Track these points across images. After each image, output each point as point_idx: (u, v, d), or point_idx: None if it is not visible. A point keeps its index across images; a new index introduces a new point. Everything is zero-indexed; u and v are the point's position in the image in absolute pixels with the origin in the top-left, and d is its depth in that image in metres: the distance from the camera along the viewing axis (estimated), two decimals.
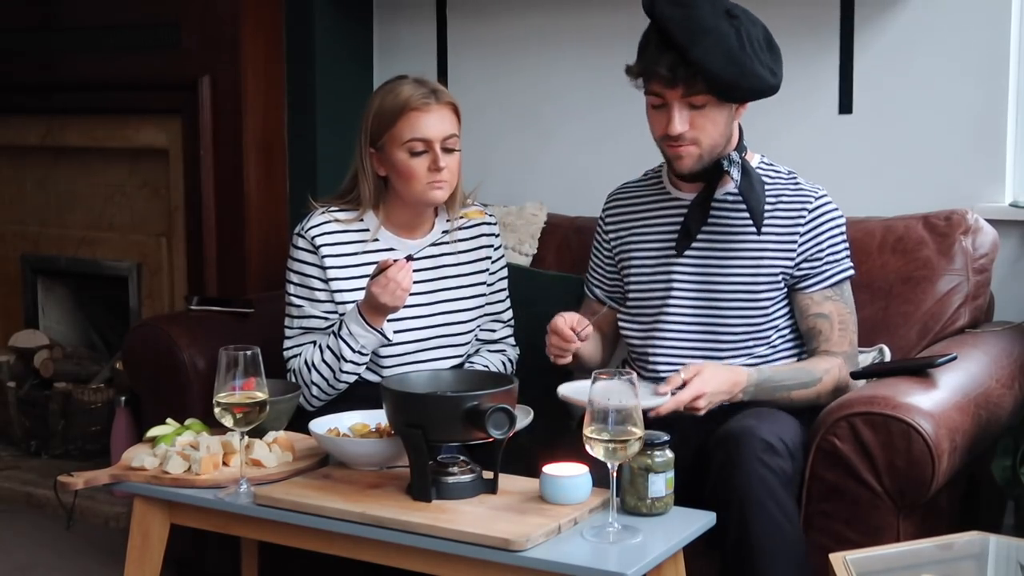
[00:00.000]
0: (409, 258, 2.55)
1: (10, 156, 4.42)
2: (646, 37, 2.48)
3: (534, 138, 3.61)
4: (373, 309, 2.58)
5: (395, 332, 2.66)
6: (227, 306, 3.21)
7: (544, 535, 2.02)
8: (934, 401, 2.33)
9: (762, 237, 2.52)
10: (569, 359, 2.51)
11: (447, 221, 2.80)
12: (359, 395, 2.64)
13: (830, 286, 2.55)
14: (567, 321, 2.48)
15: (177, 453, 2.36)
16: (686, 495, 2.26)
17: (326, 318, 2.70)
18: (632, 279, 2.67)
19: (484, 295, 2.83)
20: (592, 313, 2.78)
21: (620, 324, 2.69)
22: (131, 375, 3.20)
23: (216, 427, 2.40)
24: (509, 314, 2.91)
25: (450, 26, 3.71)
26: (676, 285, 2.59)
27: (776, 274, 2.54)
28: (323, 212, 2.73)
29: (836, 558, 2.01)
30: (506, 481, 2.23)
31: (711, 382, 2.37)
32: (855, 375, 2.54)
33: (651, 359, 2.60)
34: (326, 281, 2.70)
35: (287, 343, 2.73)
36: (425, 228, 2.78)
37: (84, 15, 4.00)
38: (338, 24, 3.73)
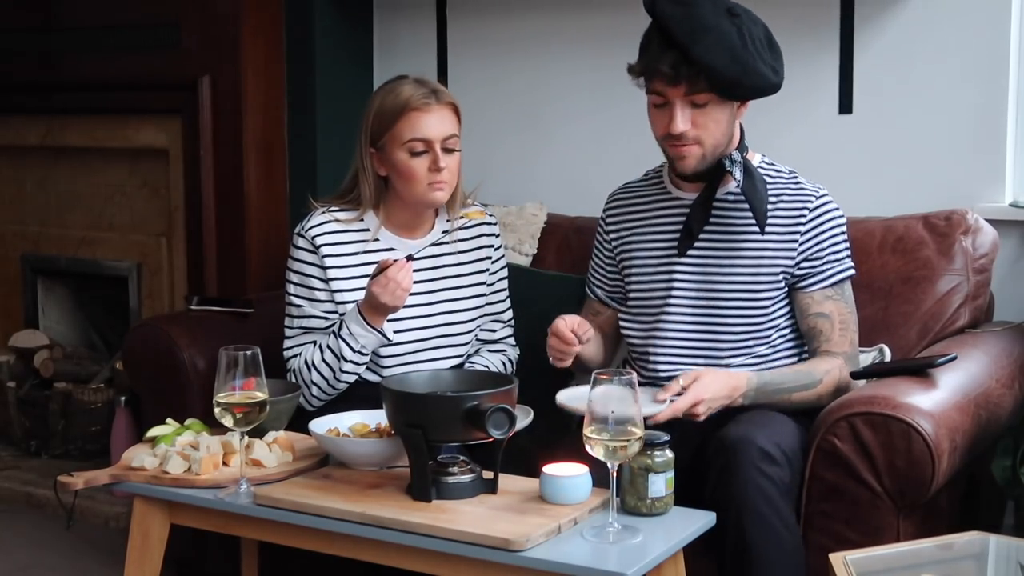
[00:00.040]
0: (409, 258, 2.56)
1: (10, 156, 4.42)
2: (647, 36, 2.48)
3: (534, 138, 3.61)
4: (373, 309, 2.58)
5: (395, 332, 2.66)
6: (227, 306, 3.21)
7: (544, 535, 2.02)
8: (934, 401, 2.33)
9: (763, 237, 2.52)
10: (569, 362, 2.51)
11: (447, 221, 2.80)
12: (359, 395, 2.64)
13: (830, 285, 2.55)
14: (568, 324, 2.47)
15: (177, 453, 2.36)
16: (686, 495, 2.26)
17: (326, 318, 2.70)
18: (633, 279, 2.67)
19: (484, 295, 2.83)
20: (594, 314, 2.78)
21: (621, 324, 2.69)
22: (131, 375, 3.20)
23: (216, 427, 2.40)
24: (509, 314, 2.91)
25: (450, 26, 3.71)
26: (677, 285, 2.59)
27: (777, 274, 2.54)
28: (323, 212, 2.74)
29: (836, 558, 2.01)
30: (506, 481, 2.23)
31: (710, 388, 2.37)
32: (855, 375, 2.54)
33: (652, 359, 2.60)
34: (326, 281, 2.70)
35: (287, 343, 2.73)
36: (425, 228, 2.78)
37: (84, 15, 4.00)
38: (338, 24, 3.73)
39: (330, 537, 2.17)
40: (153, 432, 2.50)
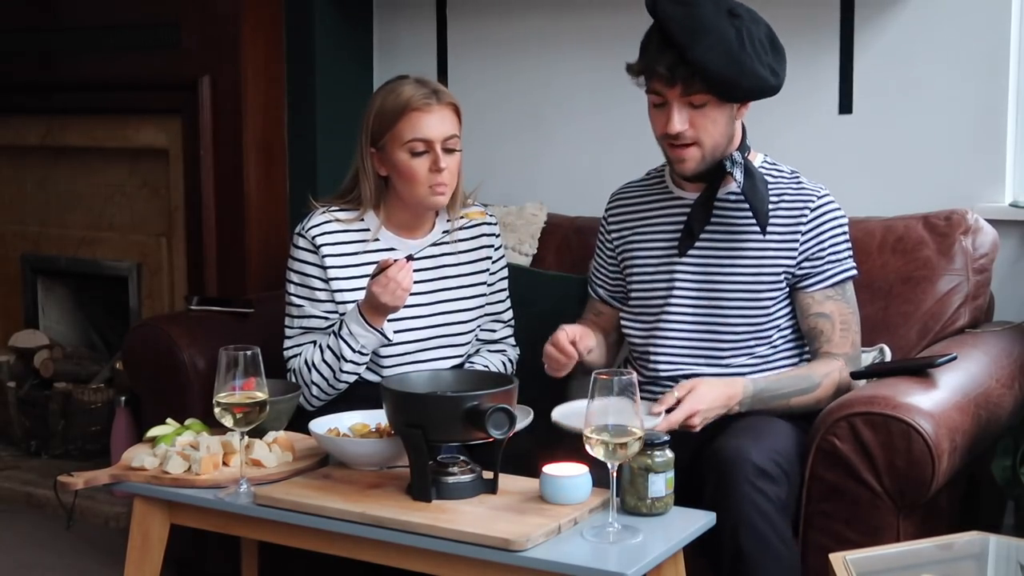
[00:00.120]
0: (409, 258, 2.55)
1: (10, 156, 4.42)
2: (648, 36, 2.48)
3: (534, 138, 3.61)
4: (373, 309, 2.58)
5: (395, 332, 2.66)
6: (227, 306, 3.21)
7: (544, 535, 2.02)
8: (934, 401, 2.33)
9: (764, 237, 2.52)
10: (564, 374, 2.51)
11: (448, 221, 2.80)
12: (359, 395, 2.63)
13: (831, 286, 2.54)
14: (569, 335, 2.47)
15: (177, 453, 2.36)
16: (685, 495, 2.26)
17: (326, 318, 2.70)
18: (634, 278, 2.67)
19: (484, 295, 2.83)
20: (595, 314, 2.78)
21: (622, 323, 2.69)
22: (131, 375, 3.20)
23: (216, 427, 2.40)
24: (509, 314, 2.91)
25: (450, 26, 3.71)
26: (678, 285, 2.58)
27: (778, 274, 2.54)
28: (324, 212, 2.74)
29: (836, 558, 2.01)
30: (506, 481, 2.23)
31: (705, 399, 2.36)
32: (855, 375, 2.54)
33: (652, 358, 2.60)
34: (326, 281, 2.70)
35: (287, 343, 2.73)
36: (426, 228, 2.78)
37: (84, 15, 4.00)
38: (338, 24, 3.73)
39: (330, 537, 2.17)
40: (153, 432, 2.50)
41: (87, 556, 3.46)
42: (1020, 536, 2.38)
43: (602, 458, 2.02)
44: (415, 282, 2.60)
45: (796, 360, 2.60)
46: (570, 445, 2.23)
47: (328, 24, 3.70)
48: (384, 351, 2.69)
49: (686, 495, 2.26)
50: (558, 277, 3.12)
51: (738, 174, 2.49)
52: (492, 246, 2.85)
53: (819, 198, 2.55)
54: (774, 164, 2.62)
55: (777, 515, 2.24)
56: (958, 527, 2.37)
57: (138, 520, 2.39)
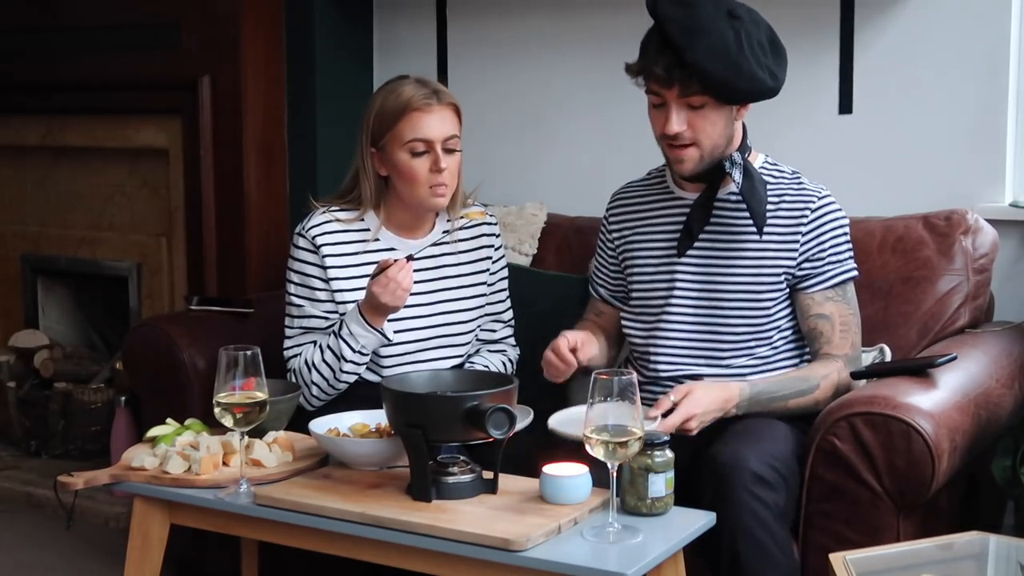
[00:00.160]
0: (410, 258, 2.56)
1: (10, 156, 4.42)
2: (648, 36, 2.48)
3: (534, 138, 3.61)
4: (373, 309, 2.58)
5: (395, 332, 2.66)
6: (227, 306, 3.21)
7: (544, 535, 2.02)
8: (934, 401, 2.33)
9: (764, 237, 2.52)
10: (562, 380, 2.51)
11: (448, 221, 2.80)
12: (359, 395, 2.64)
13: (832, 287, 2.54)
14: (570, 342, 2.47)
15: (177, 453, 2.36)
16: (685, 495, 2.26)
17: (326, 318, 2.70)
18: (635, 278, 2.67)
19: (484, 295, 2.83)
20: (597, 313, 2.78)
21: (623, 323, 2.69)
22: (131, 375, 3.20)
23: (216, 427, 2.40)
24: (509, 314, 2.91)
25: (450, 26, 3.70)
26: (678, 285, 2.58)
27: (779, 274, 2.54)
28: (324, 212, 2.74)
29: (836, 558, 2.01)
30: (506, 481, 2.23)
31: (701, 403, 2.36)
32: (855, 375, 2.54)
33: (653, 359, 2.60)
34: (327, 281, 2.70)
35: (287, 343, 2.73)
36: (426, 228, 2.78)
37: (84, 15, 4.00)
38: (338, 24, 3.73)
39: (330, 537, 2.17)
40: (153, 432, 2.50)
41: (87, 556, 3.46)
42: (1020, 536, 2.38)
43: (602, 458, 2.02)
44: (415, 282, 2.60)
45: (797, 361, 2.60)
46: (570, 445, 2.23)
47: (328, 24, 3.70)
48: (384, 351, 2.69)
49: (685, 496, 2.26)
50: (558, 277, 3.12)
51: (737, 175, 2.49)
52: (492, 246, 2.85)
53: (820, 199, 2.55)
54: (775, 165, 2.62)
55: (775, 522, 2.24)
56: (958, 527, 2.37)
57: (138, 520, 2.39)
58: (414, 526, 2.07)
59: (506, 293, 2.90)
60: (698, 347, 2.57)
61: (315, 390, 2.66)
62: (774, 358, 2.57)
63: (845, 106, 3.16)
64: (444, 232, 2.79)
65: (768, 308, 2.54)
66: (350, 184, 2.77)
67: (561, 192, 3.50)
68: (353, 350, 2.61)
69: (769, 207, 2.52)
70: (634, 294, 2.67)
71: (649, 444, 2.12)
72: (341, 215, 2.73)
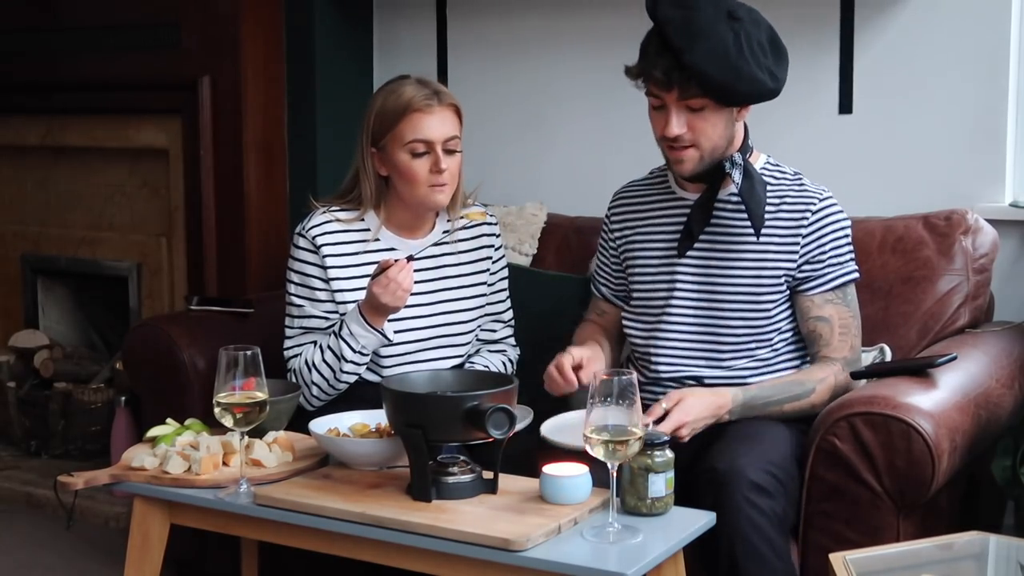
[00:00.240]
0: (410, 258, 2.55)
1: (10, 156, 4.42)
2: (648, 38, 2.47)
3: (534, 138, 3.61)
4: (374, 309, 2.58)
5: (395, 332, 2.66)
6: (227, 306, 3.21)
7: (544, 535, 2.02)
8: (934, 401, 2.33)
9: (765, 239, 2.51)
10: (563, 394, 2.50)
11: (448, 221, 2.80)
12: (359, 395, 2.64)
13: (832, 289, 2.54)
14: (576, 359, 2.46)
15: (177, 453, 2.36)
16: (685, 497, 2.26)
17: (327, 318, 2.70)
18: (636, 278, 2.67)
19: (485, 295, 2.83)
20: (599, 313, 2.77)
21: (624, 323, 2.69)
22: (131, 375, 3.20)
23: (216, 427, 2.40)
24: (509, 314, 2.91)
25: (450, 26, 3.70)
26: (679, 285, 2.58)
27: (779, 276, 2.53)
28: (324, 212, 2.74)
29: (836, 558, 2.01)
30: (506, 481, 2.23)
31: (692, 410, 2.36)
32: (855, 375, 2.54)
33: (653, 359, 2.60)
34: (327, 281, 2.70)
35: (287, 343, 2.73)
36: (426, 228, 2.78)
37: (84, 15, 4.00)
38: (338, 24, 3.73)
39: (330, 537, 2.17)
40: (153, 432, 2.50)
41: (87, 556, 3.46)
42: (1020, 536, 2.38)
43: (602, 458, 2.02)
44: (415, 282, 2.60)
45: (798, 363, 2.60)
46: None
47: (328, 24, 3.70)
48: (384, 351, 2.69)
49: (685, 496, 2.26)
50: (558, 277, 3.12)
51: (737, 175, 2.48)
52: (492, 246, 2.85)
53: (821, 201, 2.54)
54: (777, 166, 2.61)
55: (773, 529, 2.23)
56: (958, 527, 2.37)
57: (138, 520, 2.39)
58: (414, 526, 2.07)
59: (506, 293, 2.90)
60: (698, 348, 2.57)
61: (315, 390, 2.66)
62: (774, 360, 2.57)
63: (845, 106, 3.16)
64: (444, 232, 2.78)
65: (768, 310, 2.54)
66: (350, 184, 2.76)
67: (561, 192, 3.50)
68: (353, 350, 2.61)
69: (770, 208, 2.51)
70: (635, 294, 2.67)
71: (649, 444, 2.12)
72: (341, 215, 2.73)
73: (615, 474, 2.05)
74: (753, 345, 2.55)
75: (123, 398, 3.78)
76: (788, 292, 2.56)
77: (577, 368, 2.46)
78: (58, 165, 4.30)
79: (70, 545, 3.54)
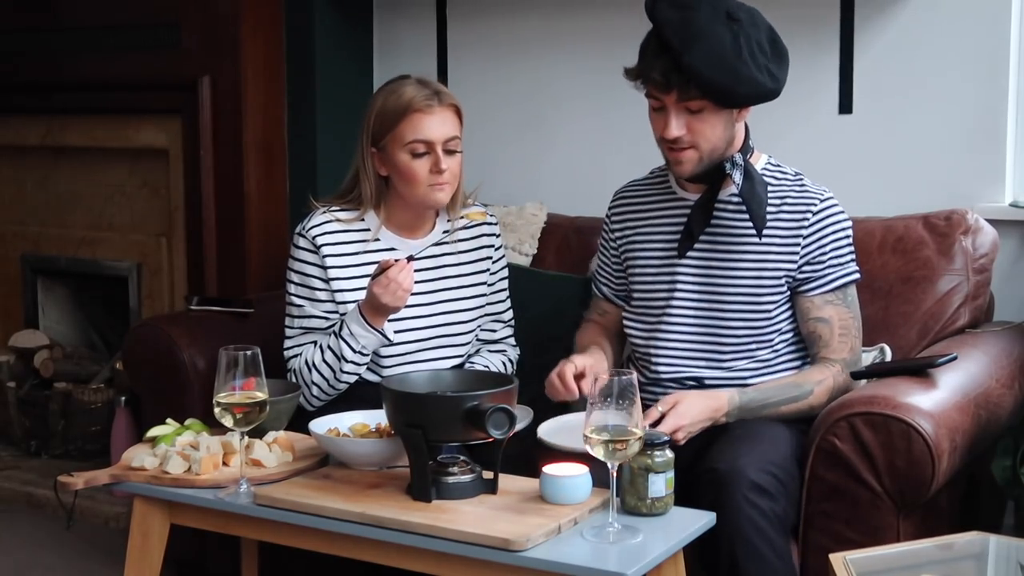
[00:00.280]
0: (410, 258, 2.55)
1: (10, 156, 4.42)
2: (647, 39, 2.47)
3: (534, 138, 3.61)
4: (374, 309, 2.58)
5: (396, 332, 2.66)
6: (227, 306, 3.21)
7: (544, 535, 2.02)
8: (934, 401, 2.33)
9: (766, 239, 2.51)
10: (563, 401, 2.50)
11: (448, 221, 2.80)
12: (359, 395, 2.64)
13: (832, 290, 2.53)
14: (578, 367, 2.45)
15: (177, 453, 2.36)
16: (685, 495, 2.26)
17: (327, 318, 2.70)
18: (636, 278, 2.66)
19: (485, 295, 2.83)
20: (600, 313, 2.77)
21: (624, 323, 2.69)
22: (131, 375, 3.20)
23: (216, 427, 2.40)
24: (510, 314, 2.91)
25: (450, 27, 3.70)
26: (679, 286, 2.58)
27: (779, 277, 2.53)
28: (324, 212, 2.74)
29: (836, 558, 2.01)
30: (506, 481, 2.23)
31: (688, 414, 2.36)
32: (855, 375, 2.54)
33: (654, 359, 2.60)
34: (327, 281, 2.70)
35: (287, 343, 2.73)
36: (426, 228, 2.78)
37: (84, 15, 4.00)
38: (338, 24, 3.73)
39: (330, 537, 2.17)
40: (153, 432, 2.50)
41: (87, 556, 3.46)
42: (1020, 536, 2.38)
43: (602, 458, 2.02)
44: (415, 282, 2.60)
45: (799, 363, 2.59)
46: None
47: (328, 24, 3.70)
48: (384, 351, 2.69)
49: (685, 496, 2.26)
50: (558, 277, 3.12)
51: (737, 176, 2.48)
52: (492, 246, 2.85)
53: (822, 201, 2.54)
54: (778, 166, 2.61)
55: (773, 530, 2.23)
56: (958, 527, 2.37)
57: (138, 520, 2.39)
58: (414, 526, 2.07)
59: (506, 293, 2.90)
60: (699, 348, 2.57)
61: (315, 390, 2.66)
62: (775, 361, 2.57)
63: (845, 106, 3.16)
64: (444, 232, 2.78)
65: (769, 311, 2.54)
66: (350, 184, 2.76)
67: (561, 192, 3.50)
68: (353, 350, 2.61)
69: (771, 209, 2.51)
70: (635, 294, 2.67)
71: (649, 444, 2.12)
72: (341, 215, 2.73)
73: (615, 474, 2.05)
74: (754, 346, 2.55)
75: (123, 398, 3.78)
76: (789, 293, 2.55)
77: (579, 377, 2.45)
78: (58, 165, 4.30)
79: (70, 545, 3.54)
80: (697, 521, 2.15)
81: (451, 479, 2.17)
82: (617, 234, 2.73)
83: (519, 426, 2.23)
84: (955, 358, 2.49)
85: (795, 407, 2.47)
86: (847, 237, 2.56)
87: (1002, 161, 3.02)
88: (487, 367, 2.80)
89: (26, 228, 4.41)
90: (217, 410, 2.23)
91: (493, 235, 2.86)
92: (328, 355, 2.63)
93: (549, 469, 2.16)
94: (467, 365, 2.80)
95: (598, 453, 2.01)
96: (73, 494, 2.57)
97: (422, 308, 2.73)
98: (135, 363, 3.12)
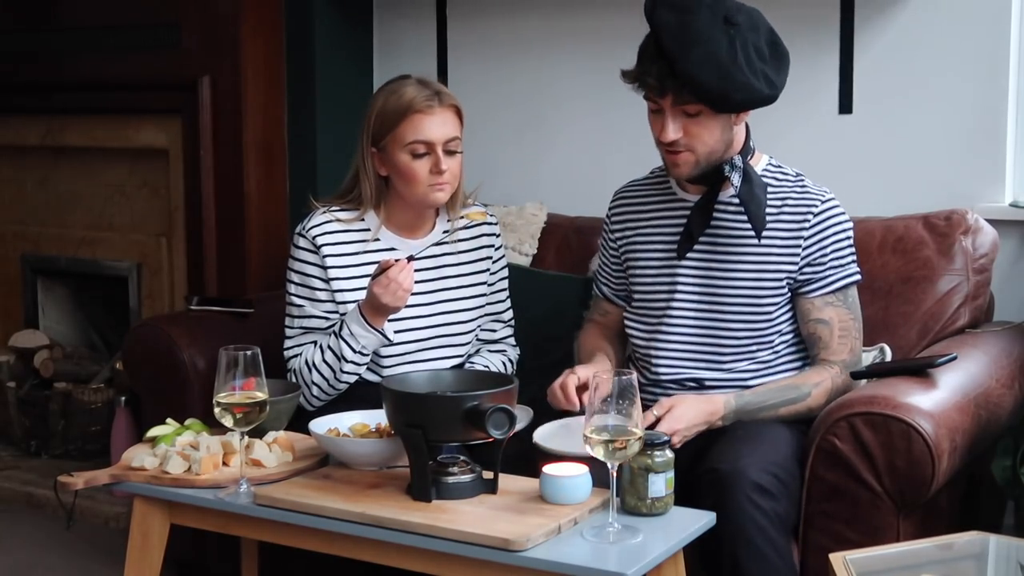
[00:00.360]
0: (410, 258, 2.55)
1: (10, 156, 4.42)
2: (645, 43, 2.46)
3: (534, 138, 3.61)
4: (374, 309, 2.58)
5: (396, 332, 2.66)
6: (227, 306, 3.21)
7: (544, 535, 2.02)
8: (934, 401, 2.33)
9: (766, 241, 2.51)
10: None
11: (448, 221, 2.80)
12: (359, 395, 2.64)
13: (832, 291, 2.53)
14: (581, 379, 2.44)
15: (177, 453, 2.36)
16: (686, 495, 2.26)
17: (327, 318, 2.70)
18: (637, 279, 2.66)
19: (485, 295, 2.83)
20: (601, 314, 2.77)
21: (625, 324, 2.68)
22: (131, 375, 3.20)
23: (216, 427, 2.40)
24: (509, 314, 2.91)
25: (450, 27, 3.70)
26: (680, 287, 2.58)
27: (780, 278, 2.53)
28: (324, 212, 2.74)
29: (836, 558, 2.01)
30: (506, 481, 2.23)
31: (683, 418, 2.36)
32: (855, 375, 2.54)
33: (654, 360, 2.60)
34: (327, 281, 2.70)
35: (288, 343, 2.73)
36: (426, 228, 2.78)
37: (84, 15, 4.00)
38: (338, 24, 3.73)
39: (330, 537, 2.17)
40: (153, 432, 2.50)
41: (87, 556, 3.46)
42: (1020, 536, 2.38)
43: (602, 458, 2.02)
44: (415, 282, 2.60)
45: (799, 365, 2.59)
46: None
47: (328, 24, 3.70)
48: (384, 351, 2.69)
49: (686, 496, 2.26)
50: (558, 277, 3.12)
51: (736, 179, 2.48)
52: (492, 246, 2.85)
53: (823, 203, 2.54)
54: (779, 167, 2.60)
55: (775, 529, 2.23)
56: (958, 527, 2.37)
57: (138, 520, 2.39)
58: (414, 526, 2.07)
59: (506, 293, 2.90)
60: (699, 350, 2.56)
61: (315, 390, 2.66)
62: (775, 362, 2.56)
63: (845, 106, 3.16)
64: (444, 232, 2.78)
65: (770, 312, 2.53)
66: (350, 184, 2.77)
67: (561, 192, 3.50)
68: (354, 350, 2.61)
69: (771, 210, 2.51)
70: (636, 295, 2.67)
71: (649, 444, 2.12)
72: (341, 215, 2.73)
73: (615, 474, 2.05)
74: (754, 347, 2.55)
75: (123, 398, 3.78)
76: (789, 294, 2.55)
77: (581, 389, 2.45)
78: (58, 165, 4.30)
79: (70, 545, 3.54)
80: (697, 521, 2.15)
81: (451, 479, 2.17)
82: (617, 234, 2.72)
83: (519, 426, 2.23)
84: (955, 358, 2.49)
85: (793, 409, 2.47)
86: (848, 239, 2.56)
87: (1002, 161, 3.02)
88: (487, 367, 2.80)
89: (26, 228, 4.41)
90: (217, 410, 2.23)
91: (493, 235, 2.86)
92: (328, 355, 2.63)
93: (549, 469, 2.16)
94: (467, 365, 2.80)
95: (598, 453, 2.01)
96: (73, 494, 2.57)
97: (422, 308, 2.73)
98: (135, 363, 3.12)
